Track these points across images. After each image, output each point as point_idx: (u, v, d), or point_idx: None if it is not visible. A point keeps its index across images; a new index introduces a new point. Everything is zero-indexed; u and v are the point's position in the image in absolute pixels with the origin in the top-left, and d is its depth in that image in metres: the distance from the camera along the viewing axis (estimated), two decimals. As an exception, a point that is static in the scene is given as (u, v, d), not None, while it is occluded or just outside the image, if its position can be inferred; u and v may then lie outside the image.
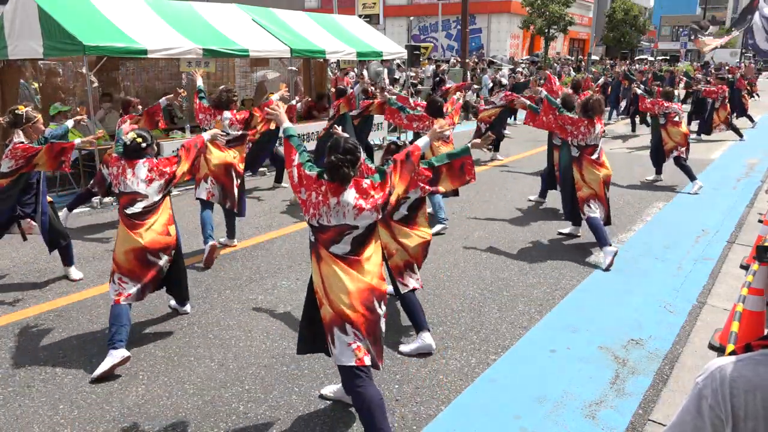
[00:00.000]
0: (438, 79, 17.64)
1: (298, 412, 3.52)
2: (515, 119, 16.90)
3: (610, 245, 5.86)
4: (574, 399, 3.66)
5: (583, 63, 30.22)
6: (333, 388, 3.61)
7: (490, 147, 11.56)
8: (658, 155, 9.22)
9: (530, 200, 8.44)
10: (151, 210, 4.18)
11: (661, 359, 4.10)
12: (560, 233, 6.86)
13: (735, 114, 15.17)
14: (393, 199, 3.12)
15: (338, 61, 13.59)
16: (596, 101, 5.96)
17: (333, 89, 8.93)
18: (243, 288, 5.37)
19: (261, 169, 9.68)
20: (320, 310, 3.00)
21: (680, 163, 8.92)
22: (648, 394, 3.70)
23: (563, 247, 6.52)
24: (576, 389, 3.76)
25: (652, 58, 38.27)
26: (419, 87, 17.25)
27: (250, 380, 3.84)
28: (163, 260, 4.23)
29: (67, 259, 5.55)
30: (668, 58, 39.53)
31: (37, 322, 4.67)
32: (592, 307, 4.97)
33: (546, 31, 30.98)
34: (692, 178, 8.89)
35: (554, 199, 8.06)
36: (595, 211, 6.02)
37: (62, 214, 7.25)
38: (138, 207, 4.14)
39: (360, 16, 22.24)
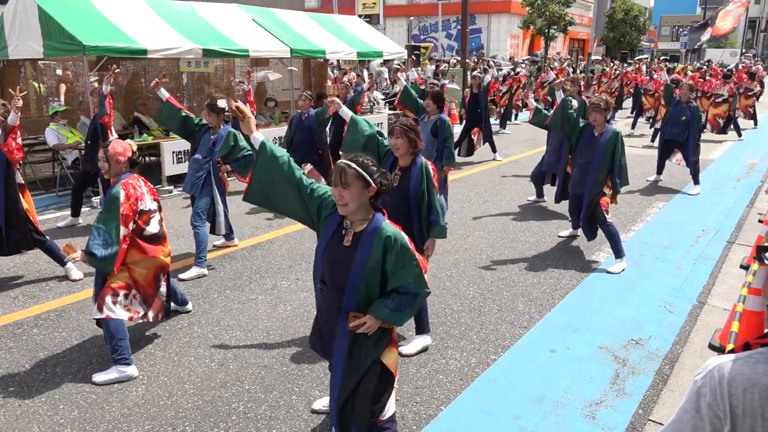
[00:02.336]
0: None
1: (298, 412, 3.52)
2: (516, 118, 16.89)
3: (624, 256, 5.82)
4: (574, 399, 3.66)
5: (583, 63, 30.21)
6: (325, 401, 3.51)
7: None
8: (662, 157, 9.28)
9: (529, 200, 8.45)
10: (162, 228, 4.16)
11: (661, 359, 4.10)
12: (560, 236, 6.85)
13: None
14: None
15: (338, 61, 13.59)
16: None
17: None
18: (243, 288, 5.37)
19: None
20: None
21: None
22: (648, 394, 3.71)
23: (563, 247, 6.52)
24: (576, 389, 3.76)
25: (646, 57, 38.22)
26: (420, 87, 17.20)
27: (250, 380, 3.84)
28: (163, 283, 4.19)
29: (57, 259, 5.53)
30: (668, 58, 39.53)
31: (37, 322, 4.67)
32: (592, 307, 4.97)
33: (546, 31, 30.97)
34: (696, 181, 8.92)
35: (552, 198, 8.07)
36: (613, 220, 5.88)
37: (68, 221, 7.25)
38: (155, 226, 4.07)
39: (360, 16, 22.23)
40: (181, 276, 5.47)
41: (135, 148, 4.09)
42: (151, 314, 4.08)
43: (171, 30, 9.16)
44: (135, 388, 3.78)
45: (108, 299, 3.83)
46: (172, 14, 9.61)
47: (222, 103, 5.65)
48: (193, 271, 5.55)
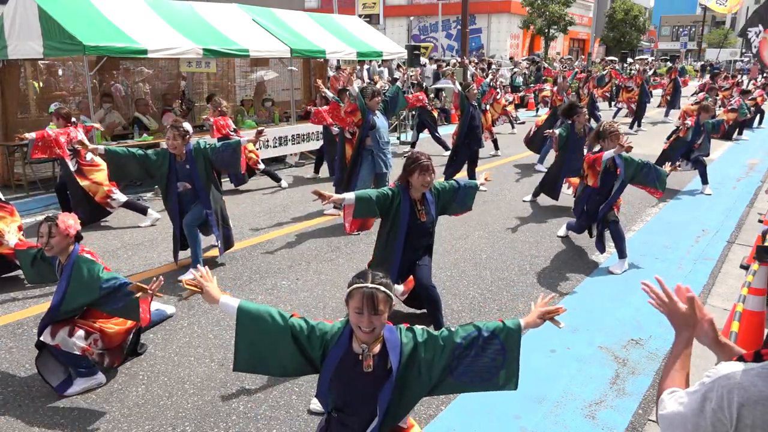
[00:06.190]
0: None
1: (298, 412, 3.52)
2: (517, 119, 16.83)
3: (627, 256, 5.84)
4: (573, 399, 3.66)
5: (583, 63, 30.21)
6: None
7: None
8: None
9: (525, 201, 8.43)
10: None
11: (661, 359, 4.10)
12: (558, 236, 6.85)
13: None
14: None
15: (338, 61, 13.59)
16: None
17: (326, 92, 8.70)
18: (243, 288, 5.37)
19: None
20: None
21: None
22: (648, 394, 3.71)
23: (563, 247, 6.52)
24: (576, 389, 3.76)
25: (651, 58, 38.24)
26: (425, 86, 17.21)
27: (250, 380, 3.83)
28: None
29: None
30: (668, 58, 39.55)
31: (37, 322, 4.63)
32: (592, 307, 4.97)
33: (546, 31, 30.98)
34: (705, 181, 8.99)
35: (552, 199, 8.07)
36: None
37: None
38: None
39: (360, 16, 22.22)
40: (180, 278, 5.46)
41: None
42: (107, 360, 3.84)
43: (171, 30, 9.16)
44: (135, 388, 3.78)
45: (65, 330, 3.65)
46: (172, 14, 9.61)
47: (188, 126, 5.44)
48: (190, 273, 5.54)
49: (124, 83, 10.91)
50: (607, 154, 5.66)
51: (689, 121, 9.09)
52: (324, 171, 9.88)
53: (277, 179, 9.32)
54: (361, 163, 7.13)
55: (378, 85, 8.14)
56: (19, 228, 5.24)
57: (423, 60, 18.26)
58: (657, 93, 19.73)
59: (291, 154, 11.23)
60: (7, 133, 9.12)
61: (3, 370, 4.00)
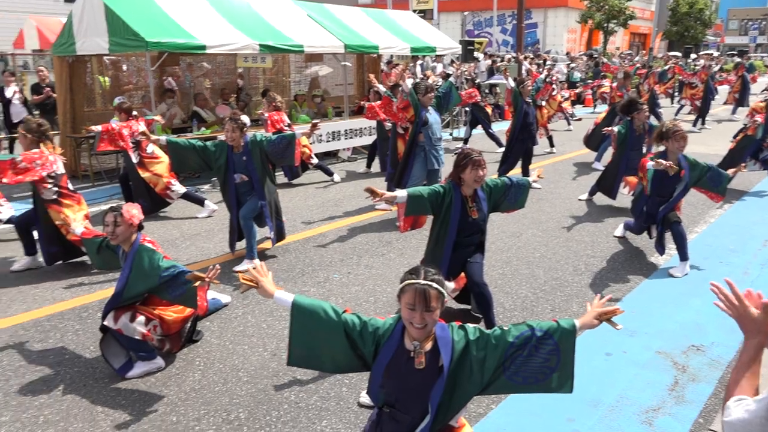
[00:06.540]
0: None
1: (348, 404, 3.55)
2: (573, 116, 16.45)
3: (688, 260, 5.60)
4: (630, 404, 3.55)
5: (644, 58, 29.21)
6: None
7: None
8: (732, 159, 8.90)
9: (580, 199, 8.22)
10: None
11: (725, 367, 3.93)
12: (615, 236, 6.65)
13: None
14: None
15: (392, 56, 13.60)
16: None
17: (378, 87, 8.67)
18: (296, 280, 5.45)
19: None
20: None
21: None
22: (709, 403, 3.56)
23: (621, 248, 6.32)
24: (632, 394, 3.65)
25: (717, 53, 36.59)
26: (478, 82, 17.05)
27: (302, 371, 3.88)
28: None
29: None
30: (736, 53, 37.73)
31: (101, 306, 4.83)
32: (651, 310, 4.81)
33: (605, 25, 30.11)
34: None
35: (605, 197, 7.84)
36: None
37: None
38: None
39: (414, 11, 22.14)
40: (235, 268, 5.60)
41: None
42: (167, 345, 4.01)
43: (229, 26, 9.38)
44: (192, 374, 3.90)
45: (126, 316, 3.79)
46: (230, 11, 9.84)
47: (246, 119, 5.62)
48: (245, 264, 5.66)
49: (187, 77, 11.28)
50: (650, 164, 5.46)
51: (759, 118, 8.64)
52: (376, 166, 9.93)
53: (330, 174, 9.41)
54: (413, 159, 7.11)
55: (430, 80, 8.09)
56: (86, 216, 5.49)
57: (478, 55, 18.04)
58: (723, 89, 18.89)
59: (344, 149, 11.32)
60: (75, 125, 9.56)
61: (70, 350, 4.20)
